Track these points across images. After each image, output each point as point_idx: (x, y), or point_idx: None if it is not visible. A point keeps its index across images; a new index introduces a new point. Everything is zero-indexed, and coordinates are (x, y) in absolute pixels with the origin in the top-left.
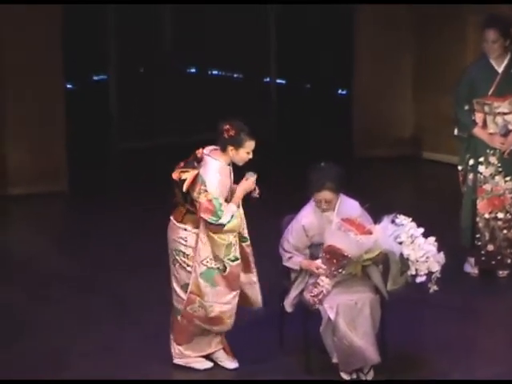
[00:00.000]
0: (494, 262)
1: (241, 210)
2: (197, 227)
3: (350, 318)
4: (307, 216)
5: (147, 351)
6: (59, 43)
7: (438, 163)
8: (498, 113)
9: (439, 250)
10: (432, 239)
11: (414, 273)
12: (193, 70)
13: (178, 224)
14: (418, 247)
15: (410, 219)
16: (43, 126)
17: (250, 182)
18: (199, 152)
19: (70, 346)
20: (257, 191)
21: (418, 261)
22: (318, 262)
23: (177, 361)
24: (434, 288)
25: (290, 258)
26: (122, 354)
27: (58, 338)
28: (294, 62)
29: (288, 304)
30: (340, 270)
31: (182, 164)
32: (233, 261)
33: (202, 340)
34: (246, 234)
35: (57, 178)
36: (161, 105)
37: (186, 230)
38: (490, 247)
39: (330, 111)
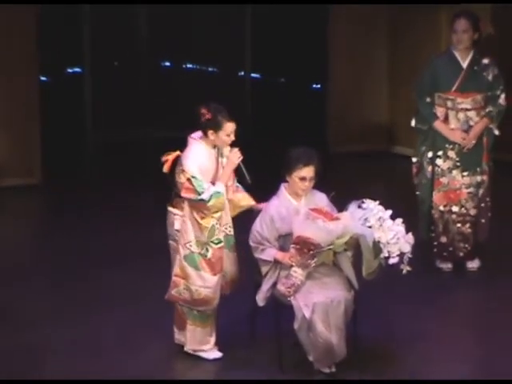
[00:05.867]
0: (445, 254)
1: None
2: (183, 210)
3: (325, 315)
4: (275, 206)
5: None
6: (34, 36)
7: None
8: (461, 109)
9: (407, 232)
10: (399, 220)
11: (386, 255)
12: (167, 64)
13: (169, 208)
14: (387, 229)
15: (377, 202)
16: (18, 119)
17: (234, 151)
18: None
19: (47, 339)
20: (248, 178)
21: (389, 243)
22: (291, 253)
23: (186, 349)
24: (406, 269)
25: (262, 249)
26: (101, 347)
27: (35, 332)
28: (269, 56)
29: (260, 298)
30: (313, 259)
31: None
32: (216, 243)
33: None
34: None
35: (31, 170)
36: (135, 98)
37: (174, 214)
38: (443, 239)
39: (305, 105)
